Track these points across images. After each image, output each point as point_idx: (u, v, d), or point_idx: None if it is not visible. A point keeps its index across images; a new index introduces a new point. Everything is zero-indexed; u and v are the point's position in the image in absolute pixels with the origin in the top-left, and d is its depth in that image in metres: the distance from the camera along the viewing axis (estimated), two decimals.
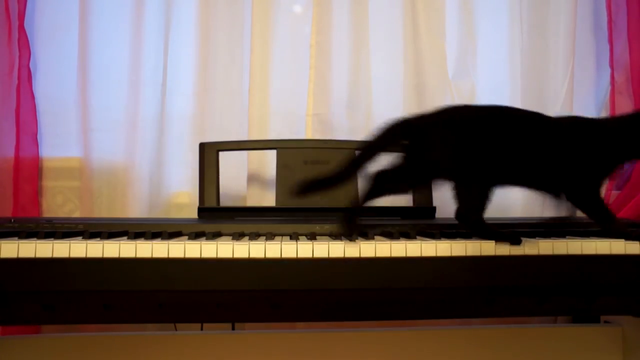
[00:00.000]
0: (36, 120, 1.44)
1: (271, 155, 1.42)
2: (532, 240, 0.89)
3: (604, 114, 1.60)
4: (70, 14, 1.47)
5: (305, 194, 0.93)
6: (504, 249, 0.86)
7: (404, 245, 0.84)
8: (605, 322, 1.42)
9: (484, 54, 1.58)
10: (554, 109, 1.56)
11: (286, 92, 1.52)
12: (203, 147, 1.32)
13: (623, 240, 0.90)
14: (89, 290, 0.82)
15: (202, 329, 1.38)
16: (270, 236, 0.95)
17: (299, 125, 1.53)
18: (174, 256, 0.81)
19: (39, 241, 0.82)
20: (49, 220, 1.03)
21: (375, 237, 0.96)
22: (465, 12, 1.57)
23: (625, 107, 1.54)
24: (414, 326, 1.41)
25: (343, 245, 0.83)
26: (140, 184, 1.46)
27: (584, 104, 1.60)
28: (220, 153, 1.32)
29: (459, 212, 0.91)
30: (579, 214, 1.01)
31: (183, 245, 0.82)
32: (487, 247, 0.86)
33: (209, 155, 1.31)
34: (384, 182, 0.94)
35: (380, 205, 1.48)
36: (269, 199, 1.46)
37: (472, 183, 0.92)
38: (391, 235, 0.94)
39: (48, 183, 1.46)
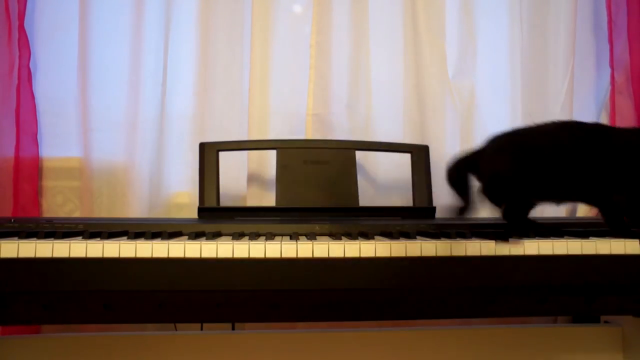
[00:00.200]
0: (36, 120, 1.44)
1: (271, 155, 1.42)
2: (532, 240, 0.89)
3: (604, 114, 1.60)
4: (70, 14, 1.47)
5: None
6: (504, 249, 0.86)
7: (404, 245, 0.84)
8: (605, 322, 1.42)
9: (484, 54, 1.58)
10: (554, 109, 1.56)
11: (286, 92, 1.52)
12: (203, 147, 1.32)
13: (623, 240, 0.90)
14: (89, 290, 0.82)
15: (202, 329, 1.38)
16: (270, 236, 0.95)
17: (299, 125, 1.52)
18: (174, 256, 0.81)
19: (39, 241, 0.82)
20: (49, 220, 1.03)
21: (375, 237, 0.96)
22: (465, 12, 1.57)
23: (625, 107, 1.54)
24: (414, 326, 1.41)
25: (343, 245, 0.83)
26: (140, 184, 1.46)
27: (584, 104, 1.61)
28: (220, 153, 1.32)
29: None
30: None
31: (183, 245, 0.82)
32: (486, 247, 0.86)
33: (209, 155, 1.31)
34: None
35: (380, 205, 1.50)
36: (269, 199, 1.46)
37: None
38: (391, 235, 0.94)
39: (48, 183, 1.46)
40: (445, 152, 1.53)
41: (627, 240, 0.90)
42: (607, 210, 1.00)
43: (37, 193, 1.43)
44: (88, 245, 0.81)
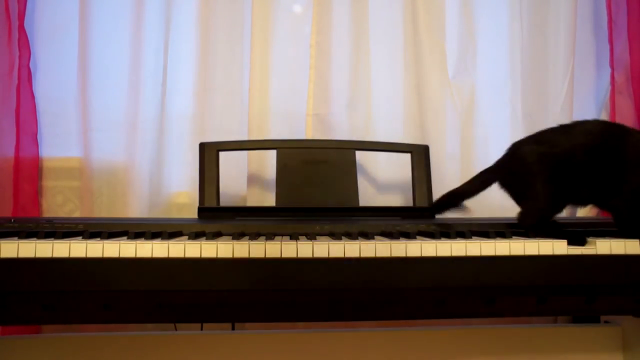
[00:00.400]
0: (36, 120, 1.44)
1: (271, 155, 1.42)
2: (533, 240, 0.89)
3: (604, 114, 1.60)
4: (70, 14, 1.47)
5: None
6: (504, 249, 0.86)
7: (404, 245, 0.84)
8: (605, 322, 1.42)
9: (484, 54, 1.58)
10: (554, 109, 1.56)
11: (286, 92, 1.52)
12: (203, 147, 1.32)
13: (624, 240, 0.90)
14: (89, 290, 0.82)
15: (202, 329, 1.38)
16: (270, 236, 0.95)
17: (299, 125, 1.52)
18: (174, 256, 0.81)
19: (39, 241, 0.82)
20: (49, 220, 1.03)
21: (375, 237, 0.96)
22: (465, 12, 1.57)
23: (625, 107, 1.54)
24: (414, 326, 1.41)
25: (343, 245, 0.83)
26: (141, 184, 1.46)
27: (584, 104, 1.61)
28: (220, 153, 1.32)
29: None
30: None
31: (183, 245, 0.82)
32: (486, 248, 0.86)
33: (209, 155, 1.31)
34: None
35: (380, 205, 1.50)
36: (269, 199, 1.46)
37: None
38: (391, 235, 0.94)
39: (48, 183, 1.46)
40: (445, 152, 1.54)
41: (613, 240, 0.90)
42: (616, 212, 1.00)
43: (37, 193, 1.43)
44: (88, 245, 0.81)
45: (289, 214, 1.27)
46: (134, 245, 0.81)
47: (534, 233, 0.97)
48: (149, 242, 0.83)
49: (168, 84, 1.49)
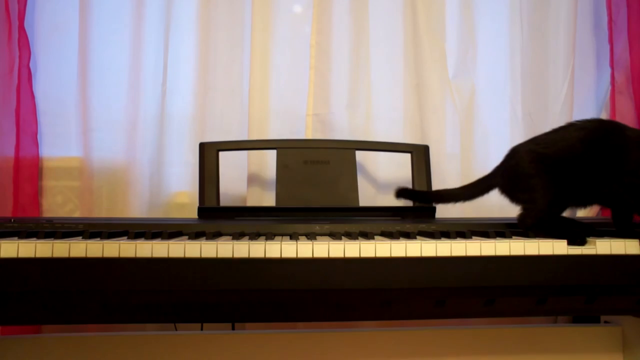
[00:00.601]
0: (36, 120, 1.44)
1: (271, 155, 1.42)
2: (533, 240, 0.89)
3: (604, 114, 1.60)
4: (70, 14, 1.47)
5: None
6: (504, 249, 0.86)
7: (404, 245, 0.84)
8: (605, 322, 1.42)
9: (484, 54, 1.58)
10: (554, 109, 1.56)
11: (286, 92, 1.52)
12: (203, 147, 1.32)
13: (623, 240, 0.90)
14: (89, 290, 0.82)
15: (202, 329, 1.38)
16: (270, 236, 0.94)
17: (299, 125, 1.53)
18: (174, 256, 0.81)
19: (39, 241, 0.82)
20: (49, 220, 1.03)
21: (375, 237, 0.95)
22: (465, 12, 1.57)
23: (625, 107, 1.54)
24: (414, 326, 1.41)
25: (343, 245, 0.83)
26: (141, 184, 1.46)
27: (584, 104, 1.61)
28: (220, 153, 1.32)
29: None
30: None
31: (183, 245, 0.82)
32: (486, 248, 0.86)
33: (209, 155, 1.31)
34: None
35: (381, 205, 1.50)
36: (269, 199, 1.46)
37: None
38: (391, 235, 0.94)
39: (48, 183, 1.46)
40: (445, 152, 1.54)
41: (613, 240, 0.90)
42: (616, 209, 1.00)
43: (37, 193, 1.43)
44: (88, 245, 0.81)
45: (289, 214, 1.27)
46: (134, 245, 0.81)
47: (534, 233, 0.97)
48: (149, 242, 0.82)
49: (168, 84, 1.49)
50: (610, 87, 1.57)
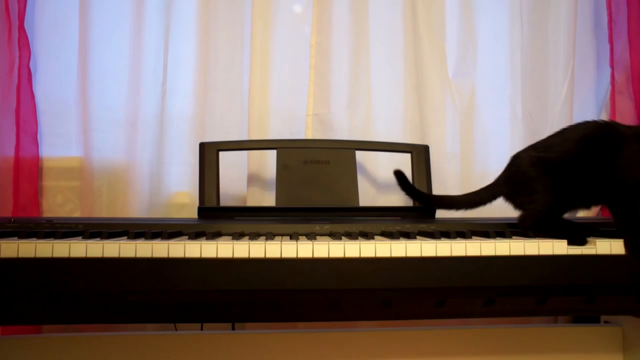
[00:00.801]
0: (36, 120, 1.44)
1: (271, 155, 1.42)
2: (533, 240, 0.89)
3: (604, 114, 1.60)
4: (70, 14, 1.47)
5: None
6: (504, 249, 0.86)
7: (404, 245, 0.84)
8: (605, 322, 1.42)
9: (484, 54, 1.58)
10: (554, 109, 1.56)
11: (286, 92, 1.52)
12: (203, 147, 1.32)
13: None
14: (89, 290, 0.82)
15: (202, 329, 1.38)
16: (270, 236, 0.94)
17: (299, 125, 1.53)
18: (174, 256, 0.81)
19: (39, 241, 0.82)
20: (49, 220, 1.03)
21: (376, 237, 0.95)
22: (465, 12, 1.57)
23: (625, 107, 1.54)
24: (414, 326, 1.41)
25: (343, 245, 0.83)
26: (141, 184, 1.46)
27: (584, 104, 1.61)
28: (220, 153, 1.32)
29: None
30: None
31: (183, 245, 0.82)
32: (486, 248, 0.86)
33: (209, 155, 1.31)
34: None
35: (381, 205, 1.50)
36: (269, 199, 1.46)
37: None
38: (391, 235, 0.94)
39: (48, 183, 1.46)
40: (445, 152, 1.53)
41: (613, 240, 0.90)
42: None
43: (37, 193, 1.43)
44: (88, 245, 0.81)
45: (289, 214, 1.27)
46: (133, 245, 0.81)
47: (534, 233, 0.97)
48: (149, 242, 0.82)
49: (168, 84, 1.49)
50: (610, 87, 1.57)
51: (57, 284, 0.80)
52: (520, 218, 1.01)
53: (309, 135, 1.52)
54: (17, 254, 0.80)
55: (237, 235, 0.93)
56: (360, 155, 1.43)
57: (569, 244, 0.88)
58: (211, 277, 0.82)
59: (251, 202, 1.47)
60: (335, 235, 0.95)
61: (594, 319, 1.44)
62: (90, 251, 0.80)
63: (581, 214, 1.50)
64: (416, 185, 1.34)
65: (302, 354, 1.28)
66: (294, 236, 0.94)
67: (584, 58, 1.61)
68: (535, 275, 0.87)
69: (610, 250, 0.88)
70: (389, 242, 0.85)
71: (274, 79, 1.51)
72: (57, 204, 1.47)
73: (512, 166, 1.09)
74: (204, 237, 0.93)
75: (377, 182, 1.53)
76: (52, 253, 0.80)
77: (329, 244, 0.83)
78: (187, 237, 0.92)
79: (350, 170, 1.33)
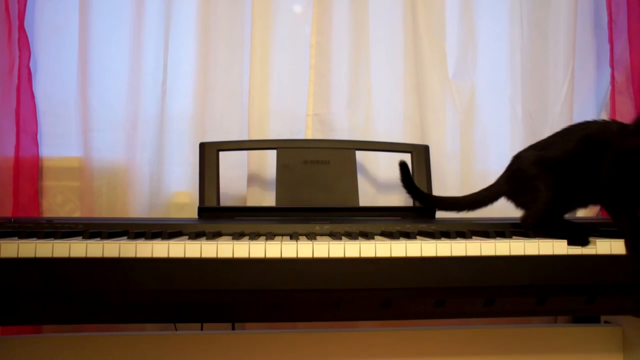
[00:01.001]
0: (36, 120, 1.44)
1: (271, 155, 1.42)
2: (533, 240, 0.89)
3: (604, 114, 1.60)
4: (70, 14, 1.47)
5: None
6: (504, 249, 0.86)
7: (404, 245, 0.84)
8: (605, 322, 1.42)
9: (484, 54, 1.59)
10: (554, 109, 1.56)
11: (286, 92, 1.52)
12: (203, 147, 1.32)
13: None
14: (89, 290, 0.82)
15: (202, 329, 1.38)
16: (270, 236, 0.94)
17: (299, 125, 1.53)
18: (174, 256, 0.81)
19: (39, 241, 0.82)
20: (49, 220, 1.03)
21: (376, 237, 0.95)
22: (465, 12, 1.57)
23: (625, 107, 1.54)
24: (414, 326, 1.41)
25: (343, 245, 0.83)
26: (141, 184, 1.46)
27: (584, 103, 1.61)
28: (221, 153, 1.32)
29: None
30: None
31: (183, 245, 0.82)
32: (486, 248, 0.86)
33: (209, 155, 1.31)
34: None
35: (381, 205, 1.50)
36: (269, 199, 1.46)
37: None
38: (391, 235, 0.94)
39: (48, 183, 1.46)
40: (445, 152, 1.54)
41: (613, 240, 0.90)
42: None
43: (37, 193, 1.43)
44: (88, 245, 0.81)
45: (289, 214, 1.27)
46: (134, 245, 0.81)
47: (534, 233, 0.97)
48: (149, 242, 0.82)
49: (168, 84, 1.49)
50: (610, 87, 1.57)
51: (57, 284, 0.80)
52: (523, 218, 1.02)
53: (309, 135, 1.52)
54: (17, 254, 0.80)
55: (237, 235, 0.93)
56: (360, 155, 1.43)
57: (572, 244, 0.88)
58: (211, 277, 0.82)
59: (251, 202, 1.47)
60: (335, 235, 0.95)
61: (594, 319, 1.44)
62: (90, 251, 0.80)
63: (580, 213, 1.50)
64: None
65: (302, 354, 1.28)
66: (294, 236, 0.94)
67: (584, 58, 1.61)
68: (535, 275, 0.87)
69: (611, 250, 0.88)
70: (389, 242, 0.85)
71: (274, 79, 1.51)
72: (57, 204, 1.47)
73: (513, 165, 1.09)
74: (204, 237, 0.93)
75: (377, 182, 1.53)
76: (52, 253, 0.80)
77: (329, 244, 0.83)
78: (187, 237, 0.92)
79: (350, 170, 1.33)
